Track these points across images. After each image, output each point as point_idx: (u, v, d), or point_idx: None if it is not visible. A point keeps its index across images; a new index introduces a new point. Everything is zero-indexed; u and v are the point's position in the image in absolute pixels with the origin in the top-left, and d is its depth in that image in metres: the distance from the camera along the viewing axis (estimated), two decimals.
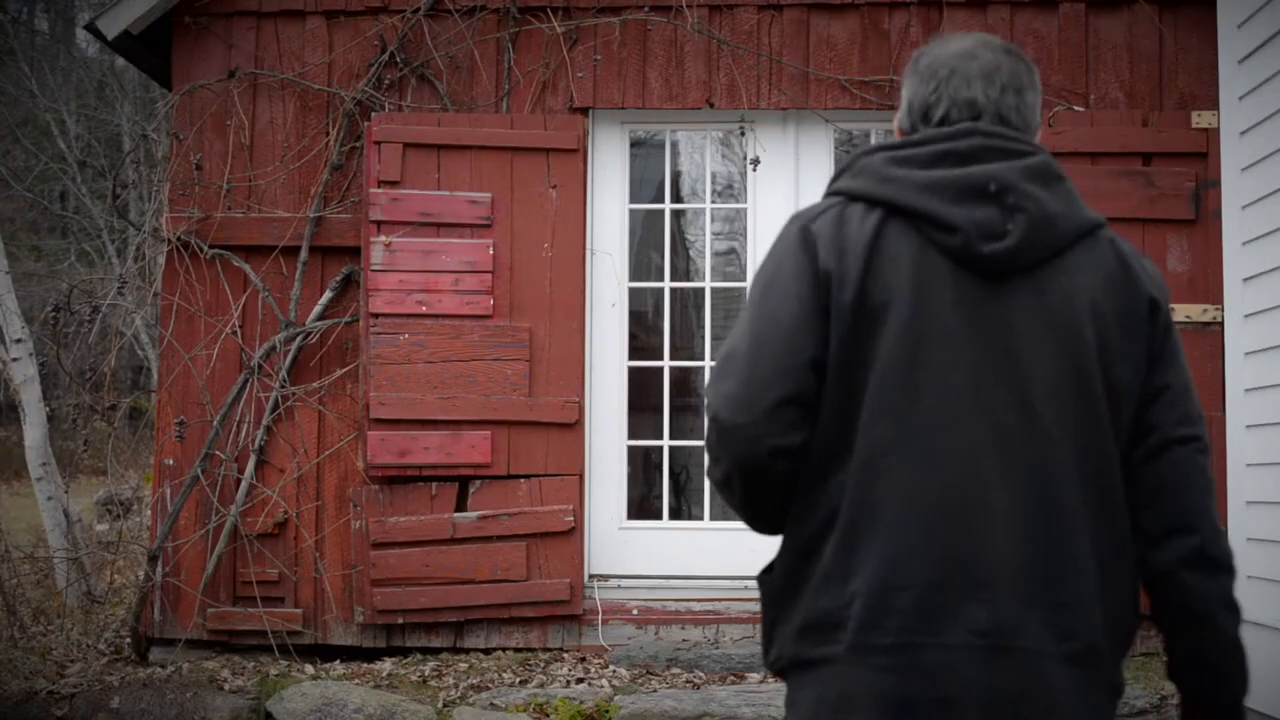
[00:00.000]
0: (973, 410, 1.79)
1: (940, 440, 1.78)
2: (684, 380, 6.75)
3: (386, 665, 5.75)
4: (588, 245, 6.09)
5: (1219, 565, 1.88)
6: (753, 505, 1.89)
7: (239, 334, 6.05)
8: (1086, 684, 1.78)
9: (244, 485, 5.96)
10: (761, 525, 1.94)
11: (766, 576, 1.94)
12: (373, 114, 6.04)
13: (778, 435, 1.80)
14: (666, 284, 6.45)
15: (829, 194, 1.97)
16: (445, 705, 5.16)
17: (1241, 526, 4.75)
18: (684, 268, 7.00)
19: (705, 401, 2.01)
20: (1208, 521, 1.86)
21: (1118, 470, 1.85)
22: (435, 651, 5.92)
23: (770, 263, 1.90)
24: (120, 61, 16.90)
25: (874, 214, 1.86)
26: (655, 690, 5.28)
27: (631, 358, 6.22)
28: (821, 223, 1.89)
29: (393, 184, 5.95)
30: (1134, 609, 1.89)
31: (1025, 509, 1.78)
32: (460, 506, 5.91)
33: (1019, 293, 1.81)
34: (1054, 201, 1.84)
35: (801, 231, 1.89)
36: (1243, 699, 1.90)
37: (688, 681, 5.46)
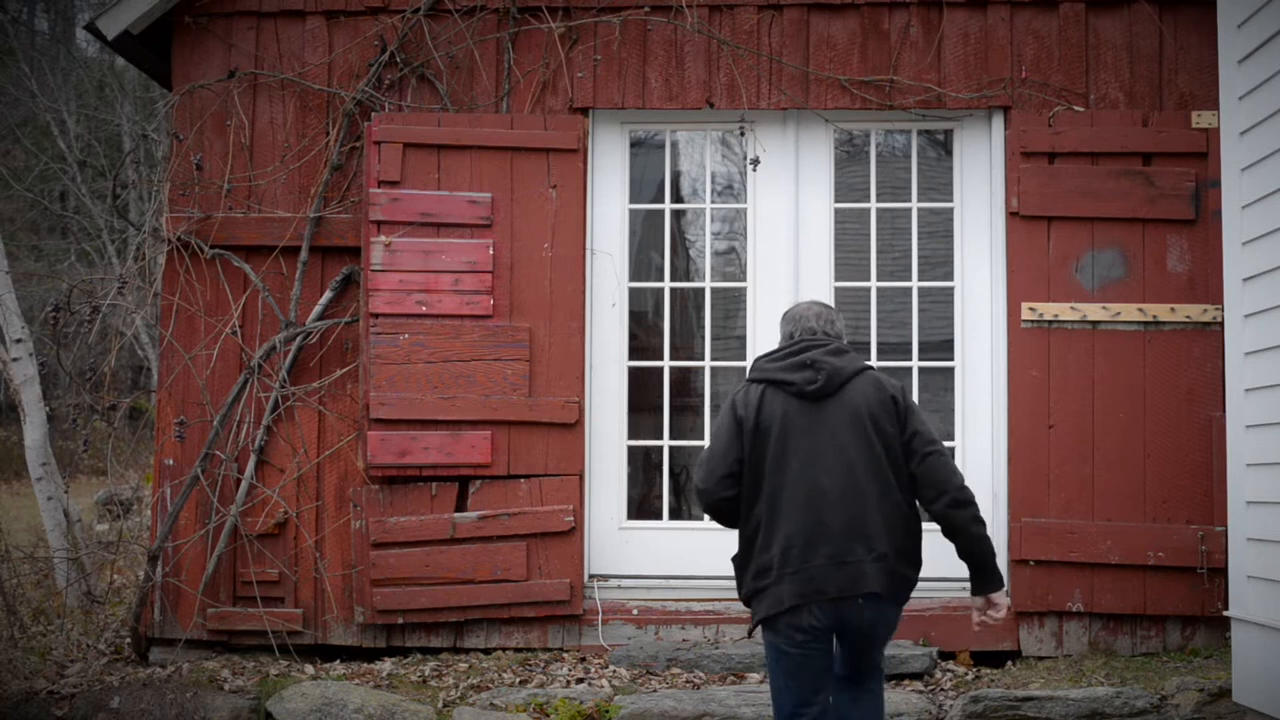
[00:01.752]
0: (817, 462, 3.85)
1: (802, 479, 3.85)
2: (684, 380, 6.75)
3: (386, 665, 5.75)
4: (588, 245, 6.09)
5: (964, 503, 3.87)
6: (719, 519, 4.03)
7: (239, 334, 6.06)
8: (883, 570, 3.82)
9: (244, 485, 5.96)
10: (727, 525, 4.04)
11: (735, 557, 4.01)
12: (373, 114, 6.04)
13: (721, 492, 3.94)
14: (666, 284, 6.44)
15: (746, 381, 4.07)
16: (445, 705, 5.16)
17: (1241, 526, 4.75)
18: (684, 268, 7.00)
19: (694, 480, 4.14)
20: (953, 484, 3.87)
21: (890, 476, 3.86)
22: (435, 651, 5.92)
23: (721, 413, 4.03)
24: (120, 61, 16.91)
25: (760, 386, 3.99)
26: (655, 690, 5.28)
27: (631, 358, 6.22)
28: (739, 396, 4.01)
29: (393, 184, 5.95)
30: (907, 541, 3.90)
31: (846, 501, 3.82)
32: (460, 506, 5.91)
33: (830, 405, 3.91)
34: (840, 362, 3.94)
35: (732, 400, 4.01)
36: (993, 560, 4.00)
37: (688, 681, 5.46)
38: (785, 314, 4.20)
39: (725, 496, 3.93)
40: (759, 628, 3.94)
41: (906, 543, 3.90)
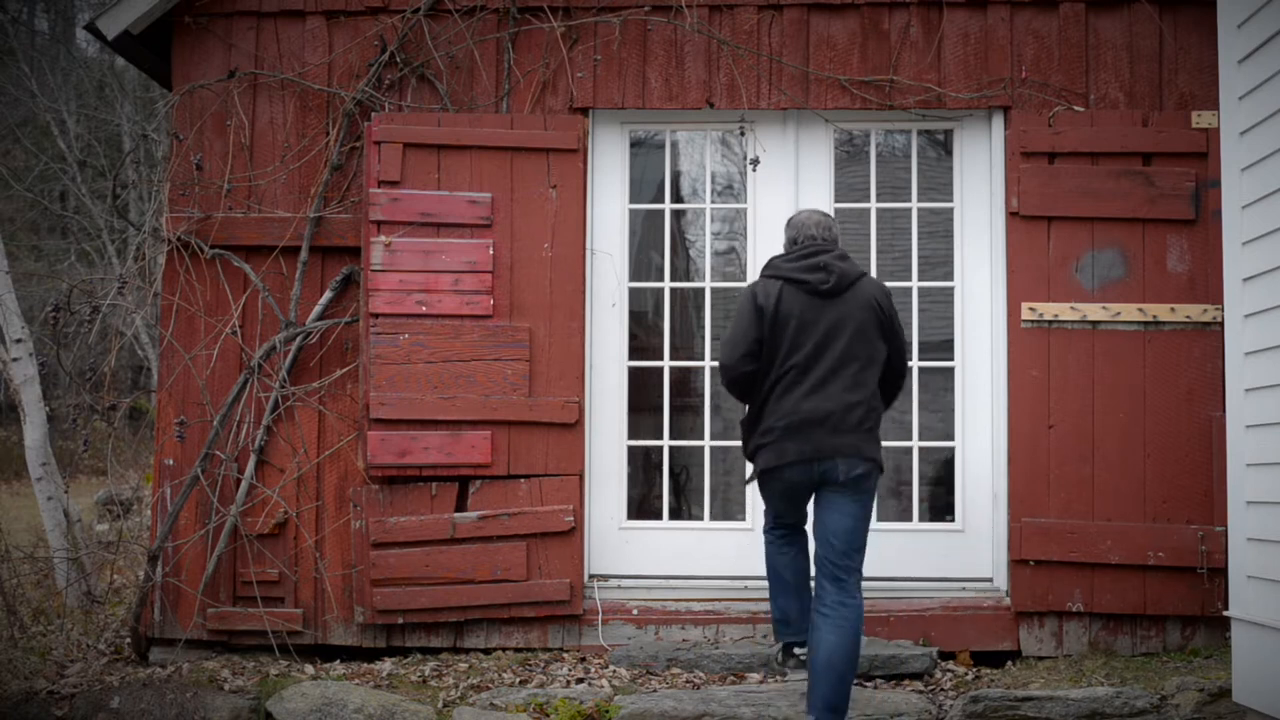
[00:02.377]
0: (823, 349, 4.74)
1: (811, 363, 4.74)
2: (684, 380, 6.75)
3: (386, 665, 5.75)
4: (588, 245, 6.09)
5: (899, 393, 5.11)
6: (736, 391, 4.91)
7: (239, 334, 6.06)
8: (860, 440, 4.72)
9: (244, 485, 5.96)
10: (743, 400, 4.96)
11: (744, 419, 4.95)
12: (373, 114, 6.04)
13: (743, 367, 4.83)
14: (666, 284, 6.45)
15: (761, 276, 4.94)
16: (445, 705, 5.16)
17: (1241, 526, 4.75)
18: (684, 268, 7.00)
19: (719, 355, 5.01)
20: (900, 388, 5.07)
21: (873, 366, 4.81)
22: (435, 651, 5.92)
23: (741, 301, 4.91)
24: (120, 61, 16.91)
25: (778, 282, 4.84)
26: (655, 690, 5.28)
27: (631, 358, 6.22)
28: (758, 288, 4.87)
29: (393, 184, 5.95)
30: (875, 421, 4.82)
31: (840, 384, 4.73)
32: (460, 506, 5.91)
33: (837, 302, 4.78)
34: (846, 267, 4.83)
35: (752, 289, 4.90)
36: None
37: (688, 681, 5.46)
38: (789, 221, 5.09)
39: (746, 371, 4.83)
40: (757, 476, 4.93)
41: (874, 422, 4.83)
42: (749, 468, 5.18)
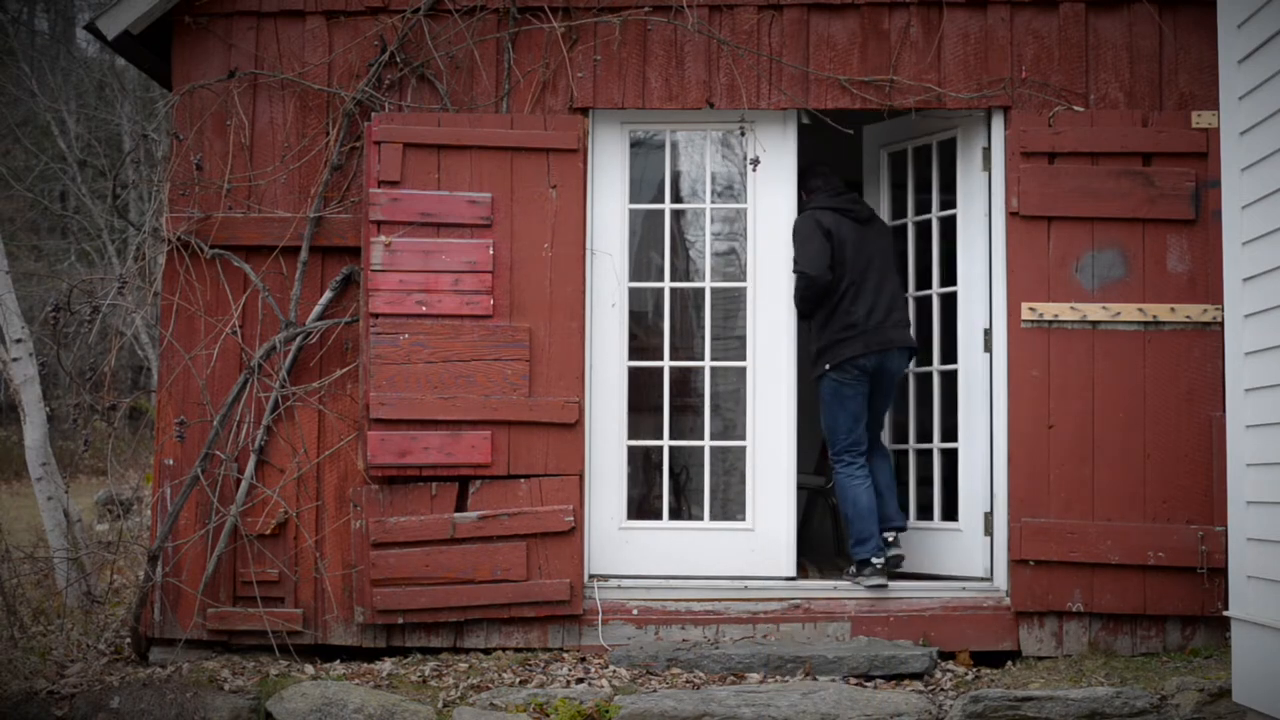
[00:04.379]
0: (870, 264, 6.09)
1: (868, 274, 6.08)
2: (684, 380, 6.75)
3: (386, 665, 5.75)
4: (588, 245, 6.09)
5: None
6: (815, 296, 6.01)
7: (239, 334, 6.06)
8: (903, 332, 6.12)
9: (244, 485, 5.96)
10: (811, 307, 6.07)
11: (816, 322, 6.10)
12: (373, 114, 6.04)
13: (826, 275, 5.98)
14: (666, 284, 6.44)
15: (811, 209, 6.12)
16: (445, 705, 5.16)
17: (1241, 526, 4.75)
18: (684, 268, 7.00)
19: (797, 268, 6.01)
20: None
21: (897, 276, 6.26)
22: (435, 651, 5.92)
23: (802, 226, 6.06)
24: (120, 61, 16.90)
25: (830, 211, 6.09)
26: (655, 690, 5.28)
27: (631, 358, 6.22)
28: (819, 216, 6.06)
29: (393, 184, 5.95)
30: (908, 315, 6.26)
31: (887, 289, 6.11)
32: (460, 506, 5.91)
33: (869, 229, 6.17)
34: (869, 204, 6.43)
35: (812, 217, 6.07)
36: None
37: (688, 681, 5.46)
38: (819, 173, 6.24)
39: (829, 279, 5.94)
40: (827, 372, 6.03)
41: (907, 318, 6.20)
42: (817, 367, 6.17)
